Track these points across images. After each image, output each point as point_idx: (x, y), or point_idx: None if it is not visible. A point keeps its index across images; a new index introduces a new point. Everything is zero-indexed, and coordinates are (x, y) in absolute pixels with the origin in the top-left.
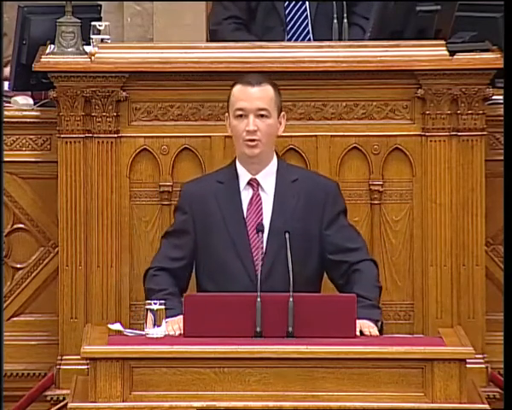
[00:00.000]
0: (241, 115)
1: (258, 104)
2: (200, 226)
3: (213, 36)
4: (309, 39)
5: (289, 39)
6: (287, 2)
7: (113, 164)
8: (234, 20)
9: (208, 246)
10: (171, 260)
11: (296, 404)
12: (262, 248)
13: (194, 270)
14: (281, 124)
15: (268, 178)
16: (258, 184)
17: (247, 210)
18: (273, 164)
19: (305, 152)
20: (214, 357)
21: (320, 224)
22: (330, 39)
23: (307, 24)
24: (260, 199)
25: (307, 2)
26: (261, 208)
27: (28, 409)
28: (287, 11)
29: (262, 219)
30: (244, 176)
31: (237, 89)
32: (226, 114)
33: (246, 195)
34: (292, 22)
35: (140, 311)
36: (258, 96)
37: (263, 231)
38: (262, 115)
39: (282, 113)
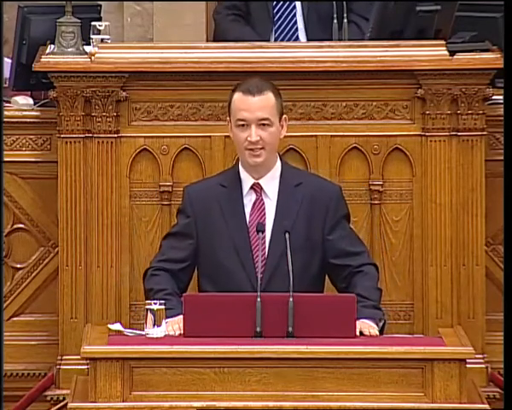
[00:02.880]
0: (242, 125)
1: (259, 115)
2: (203, 230)
3: (215, 25)
4: (296, 40)
5: (276, 39)
6: (274, 2)
7: (113, 164)
8: (233, 11)
9: (210, 250)
10: (170, 261)
11: (296, 404)
12: (264, 252)
13: (195, 272)
14: (283, 127)
15: (271, 182)
16: (262, 188)
17: (250, 215)
18: (276, 168)
19: (305, 152)
20: (214, 357)
21: (322, 229)
22: (323, 38)
23: (295, 24)
24: (263, 204)
25: (298, 3)
26: (264, 213)
27: (28, 409)
28: (275, 10)
29: (264, 221)
30: (247, 180)
31: (238, 97)
32: (228, 118)
33: (249, 199)
34: (279, 22)
35: (140, 311)
36: (259, 105)
37: (263, 232)
38: (264, 124)
39: (284, 116)
